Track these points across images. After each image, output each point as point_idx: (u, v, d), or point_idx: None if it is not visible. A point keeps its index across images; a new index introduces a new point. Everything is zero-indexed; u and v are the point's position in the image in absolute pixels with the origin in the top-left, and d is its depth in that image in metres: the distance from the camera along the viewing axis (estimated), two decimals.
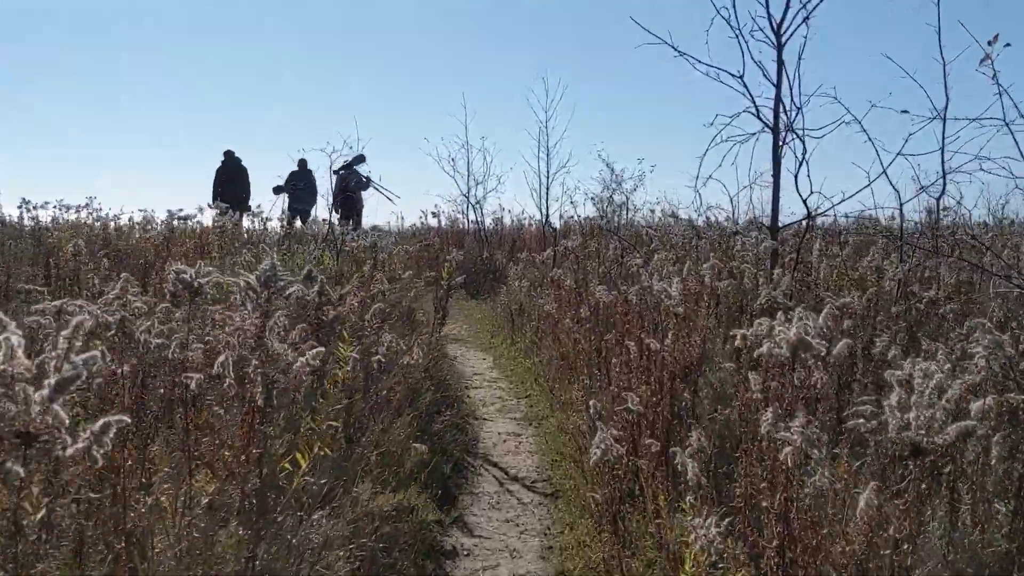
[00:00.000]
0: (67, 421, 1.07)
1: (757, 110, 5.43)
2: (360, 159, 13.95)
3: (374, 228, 12.06)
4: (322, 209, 15.90)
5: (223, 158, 14.20)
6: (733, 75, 5.42)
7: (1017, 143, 4.17)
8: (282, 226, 11.27)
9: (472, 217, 15.81)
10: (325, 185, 13.57)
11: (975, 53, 4.42)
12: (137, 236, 9.11)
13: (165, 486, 2.24)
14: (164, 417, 2.73)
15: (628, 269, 6.24)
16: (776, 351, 2.53)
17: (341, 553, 2.76)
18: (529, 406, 6.07)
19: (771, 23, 5.32)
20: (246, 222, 10.95)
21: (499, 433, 5.38)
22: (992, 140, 5.11)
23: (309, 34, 52.43)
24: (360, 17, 50.22)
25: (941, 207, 7.02)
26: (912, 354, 3.93)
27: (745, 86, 5.41)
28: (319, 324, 4.02)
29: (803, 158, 5.34)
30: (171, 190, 33.62)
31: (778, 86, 5.36)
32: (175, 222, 9.13)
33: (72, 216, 11.08)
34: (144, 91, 48.91)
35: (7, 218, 11.08)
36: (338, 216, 14.27)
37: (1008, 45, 4.48)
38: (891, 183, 5.58)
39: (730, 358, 4.29)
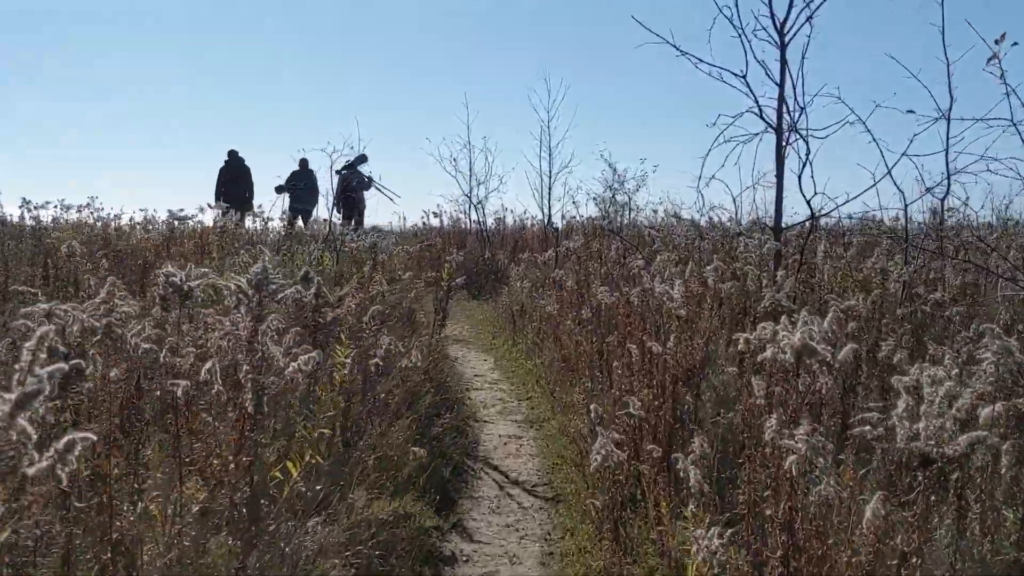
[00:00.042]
0: (34, 436, 1.02)
1: (760, 110, 5.37)
2: (362, 159, 13.92)
3: (374, 228, 12.02)
4: (323, 209, 15.87)
5: (227, 158, 14.17)
6: (736, 75, 5.37)
7: None
8: (283, 226, 11.23)
9: (474, 217, 15.77)
10: (327, 185, 13.51)
11: (979, 53, 4.38)
12: (137, 236, 9.06)
13: (155, 493, 2.19)
14: (159, 420, 2.69)
15: (630, 270, 6.18)
16: (780, 356, 2.47)
17: (337, 561, 2.71)
18: (530, 408, 6.02)
19: (774, 22, 5.26)
20: (248, 222, 10.92)
21: (500, 436, 5.33)
22: (998, 140, 5.05)
23: (309, 34, 52.43)
24: (360, 17, 50.22)
25: (945, 208, 6.97)
26: (918, 358, 3.88)
27: (748, 86, 5.35)
28: (316, 326, 3.98)
29: (807, 159, 5.29)
30: (171, 190, 33.66)
31: (781, 86, 5.30)
32: (175, 222, 9.09)
33: (74, 216, 11.06)
34: (144, 91, 48.97)
35: (8, 218, 11.05)
36: (340, 216, 14.25)
37: (1016, 44, 4.43)
38: (896, 184, 5.54)
39: (733, 361, 4.24)
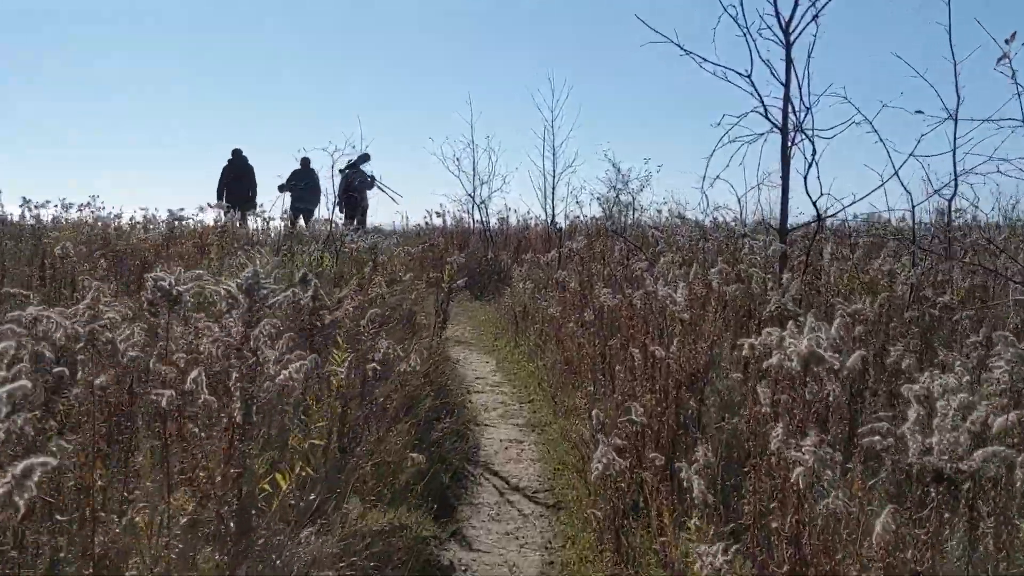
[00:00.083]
0: None
1: (765, 110, 5.29)
2: (365, 158, 13.87)
3: (375, 229, 11.96)
4: (325, 209, 15.79)
5: (231, 156, 14.12)
6: (740, 74, 5.28)
7: None
8: (285, 226, 11.17)
9: (478, 217, 15.70)
10: (329, 184, 13.46)
11: (986, 52, 4.31)
12: (137, 236, 9.01)
13: (141, 504, 2.12)
14: (152, 426, 2.62)
15: (633, 272, 6.11)
16: (787, 364, 2.40)
17: (331, 573, 2.64)
18: (532, 411, 5.95)
19: (779, 21, 5.18)
20: (251, 222, 10.86)
21: (501, 440, 5.26)
22: (1007, 141, 4.97)
23: (309, 34, 52.41)
24: (360, 17, 50.16)
25: (953, 208, 6.89)
26: (926, 363, 3.80)
27: (753, 85, 5.27)
28: (314, 330, 3.91)
29: (813, 159, 5.20)
30: (171, 190, 33.68)
31: (787, 85, 5.22)
32: (175, 222, 9.04)
33: (75, 215, 11.02)
34: (144, 91, 48.99)
35: (8, 217, 11.02)
36: (342, 216, 14.19)
37: None
38: (903, 185, 5.45)
39: (738, 365, 4.16)
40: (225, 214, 9.02)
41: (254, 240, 8.99)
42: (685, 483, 2.72)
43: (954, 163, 5.62)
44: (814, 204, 5.28)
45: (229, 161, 14.11)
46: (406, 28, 50.18)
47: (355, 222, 13.78)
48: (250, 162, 14.20)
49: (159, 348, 2.21)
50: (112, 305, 2.24)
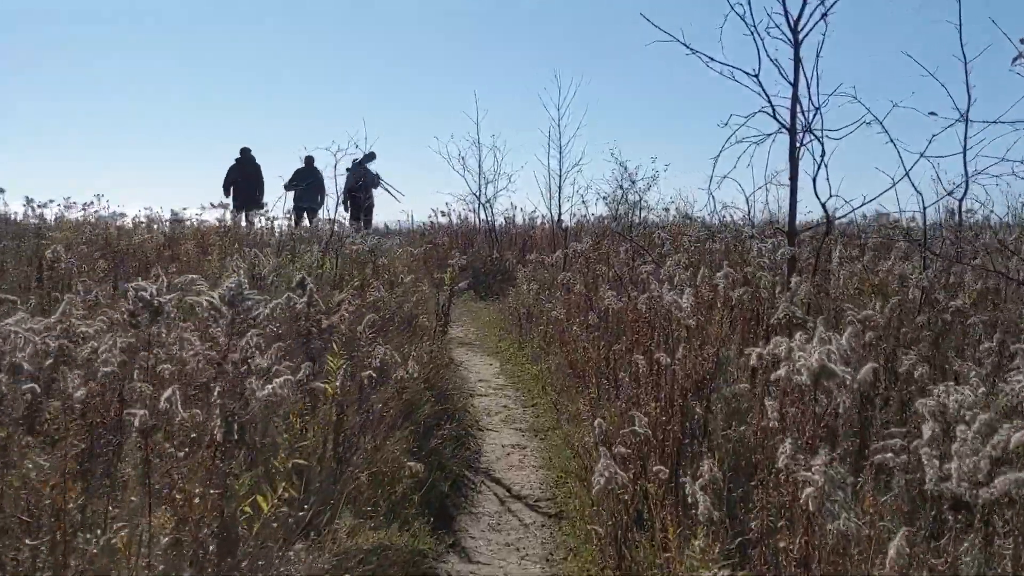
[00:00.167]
0: None
1: (773, 110, 5.17)
2: (371, 156, 13.79)
3: (375, 230, 11.87)
4: (330, 208, 15.70)
5: (239, 155, 14.02)
6: (748, 73, 5.17)
7: None
8: (288, 226, 11.09)
9: (483, 216, 15.58)
10: (333, 184, 13.37)
11: (997, 51, 4.20)
12: (138, 236, 8.94)
13: (119, 524, 2.03)
14: (135, 442, 2.53)
15: (639, 274, 6.00)
16: (796, 378, 2.29)
17: None
18: (535, 416, 5.85)
19: (788, 19, 5.06)
20: (256, 222, 10.78)
21: (503, 445, 5.17)
22: (1019, 141, 4.86)
23: (310, 33, 52.39)
24: (361, 17, 50.12)
25: (963, 209, 6.77)
26: (938, 372, 3.69)
27: (760, 85, 5.15)
28: (310, 335, 3.83)
29: (822, 160, 5.08)
30: (172, 190, 33.69)
31: (795, 85, 5.10)
32: (176, 223, 8.98)
33: (79, 215, 10.97)
34: (144, 91, 49.01)
35: (12, 216, 10.98)
36: (347, 215, 14.12)
37: None
38: (914, 186, 5.33)
39: (745, 371, 4.06)
40: (231, 216, 8.95)
41: (257, 240, 8.91)
42: (690, 499, 2.62)
43: (965, 164, 5.52)
44: (823, 206, 5.17)
45: (237, 160, 14.00)
46: (408, 27, 50.17)
47: (361, 222, 13.70)
48: (258, 162, 14.11)
49: (140, 361, 2.12)
50: (97, 314, 2.15)
